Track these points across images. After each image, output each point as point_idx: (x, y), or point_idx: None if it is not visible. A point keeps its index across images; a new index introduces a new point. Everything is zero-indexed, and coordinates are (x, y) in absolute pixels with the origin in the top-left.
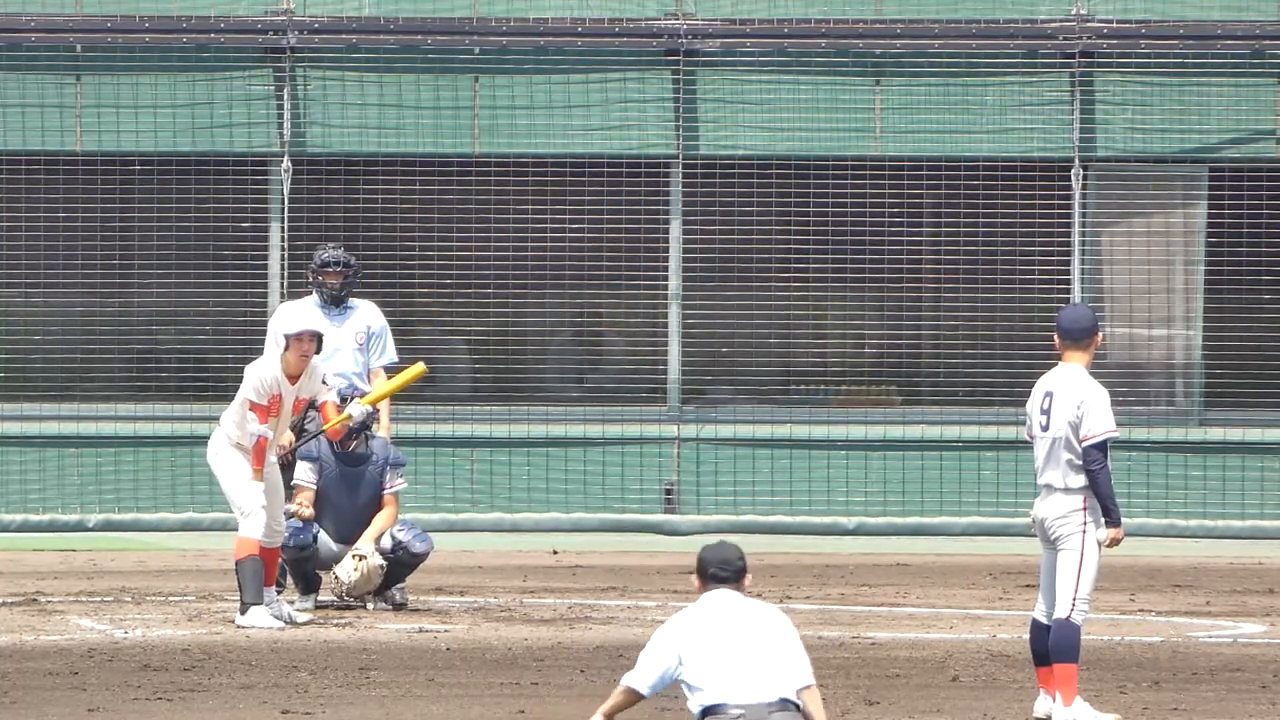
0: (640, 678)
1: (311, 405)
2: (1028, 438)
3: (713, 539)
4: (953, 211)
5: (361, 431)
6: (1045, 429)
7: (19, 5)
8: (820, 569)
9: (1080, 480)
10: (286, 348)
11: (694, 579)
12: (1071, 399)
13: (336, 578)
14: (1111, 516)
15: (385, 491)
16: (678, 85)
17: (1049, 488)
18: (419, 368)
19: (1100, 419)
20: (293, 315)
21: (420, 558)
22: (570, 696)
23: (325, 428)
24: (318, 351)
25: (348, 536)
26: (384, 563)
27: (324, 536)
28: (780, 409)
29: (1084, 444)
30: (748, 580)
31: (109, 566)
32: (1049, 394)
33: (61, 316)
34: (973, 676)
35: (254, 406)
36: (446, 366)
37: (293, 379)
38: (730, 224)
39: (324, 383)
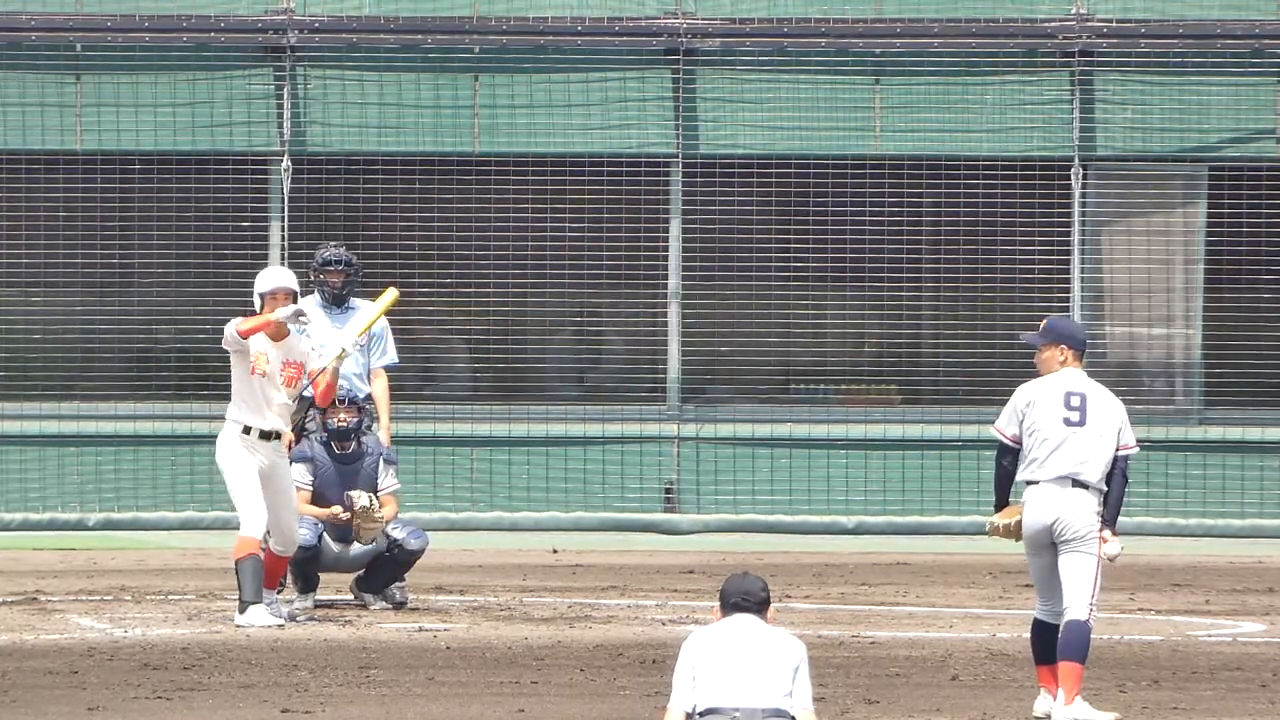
0: (676, 703)
1: (311, 404)
2: (1003, 438)
3: (712, 539)
4: (953, 211)
5: (355, 433)
6: (1079, 424)
7: (19, 5)
8: (820, 568)
9: (1101, 482)
10: (263, 308)
11: (715, 609)
12: (1114, 408)
13: (354, 501)
14: (1112, 521)
15: (381, 492)
16: (677, 84)
17: (1065, 480)
18: (392, 294)
19: (1131, 431)
20: (267, 274)
21: (416, 555)
22: (570, 695)
23: (326, 366)
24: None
25: (346, 535)
26: (381, 516)
27: (324, 537)
28: (780, 408)
29: (1121, 453)
30: (771, 613)
31: (109, 565)
32: (1077, 394)
33: (61, 316)
34: (972, 675)
35: (240, 330)
36: (446, 366)
37: (275, 339)
38: (730, 223)
39: (312, 350)
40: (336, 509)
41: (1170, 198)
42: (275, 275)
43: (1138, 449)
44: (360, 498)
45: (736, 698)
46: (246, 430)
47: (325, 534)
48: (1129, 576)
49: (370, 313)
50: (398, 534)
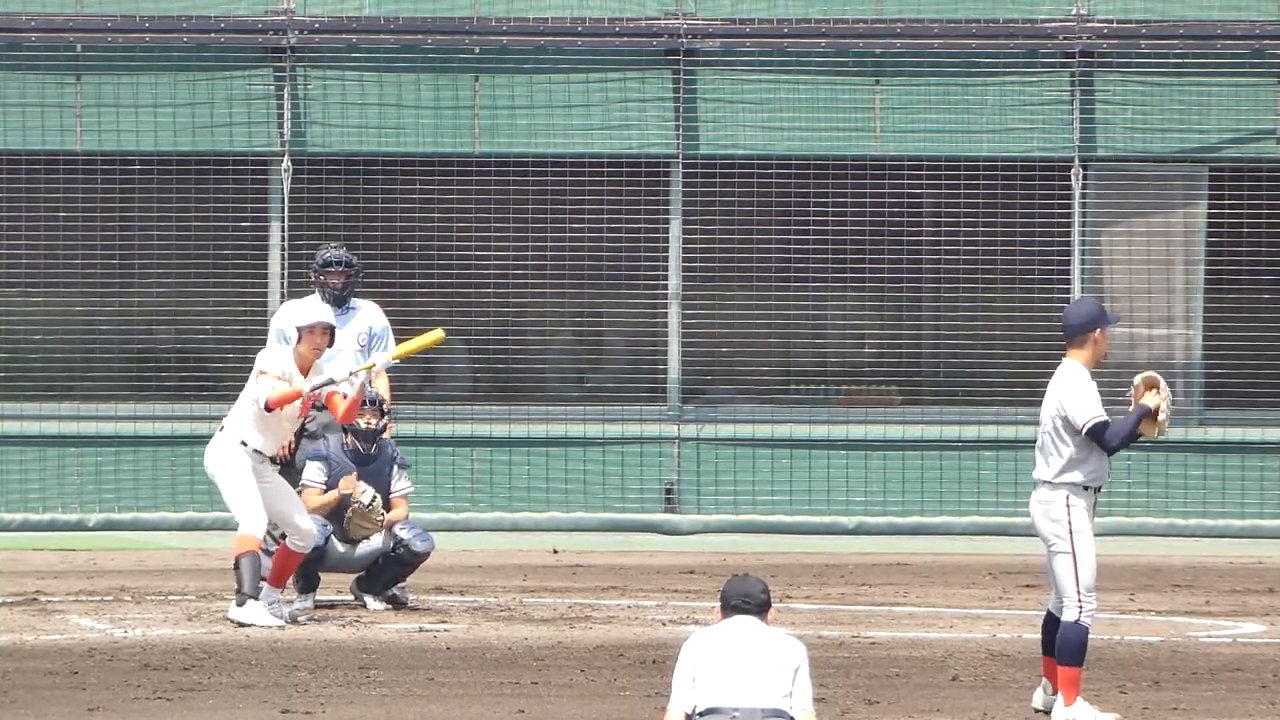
0: (676, 704)
1: (314, 406)
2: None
3: (712, 539)
4: (953, 211)
5: (376, 436)
6: (1039, 423)
7: (19, 5)
8: (820, 569)
9: (1060, 476)
10: (299, 340)
11: (715, 611)
12: (1055, 394)
13: (360, 491)
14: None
15: (393, 495)
16: (678, 85)
17: (1035, 482)
18: (438, 333)
19: (1082, 409)
20: (305, 308)
21: (421, 557)
22: (570, 696)
23: (358, 370)
24: (330, 344)
25: (354, 536)
26: (384, 515)
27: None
28: (780, 409)
29: (1082, 433)
30: (771, 615)
31: (109, 566)
32: (1049, 389)
33: (61, 316)
34: (972, 676)
35: (266, 374)
36: (447, 366)
37: (303, 371)
38: (730, 224)
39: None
40: (348, 489)
41: (1170, 198)
42: (314, 310)
43: (1092, 424)
44: (367, 492)
45: (736, 698)
46: (244, 443)
47: (332, 535)
48: (1129, 577)
49: (410, 345)
50: (404, 534)
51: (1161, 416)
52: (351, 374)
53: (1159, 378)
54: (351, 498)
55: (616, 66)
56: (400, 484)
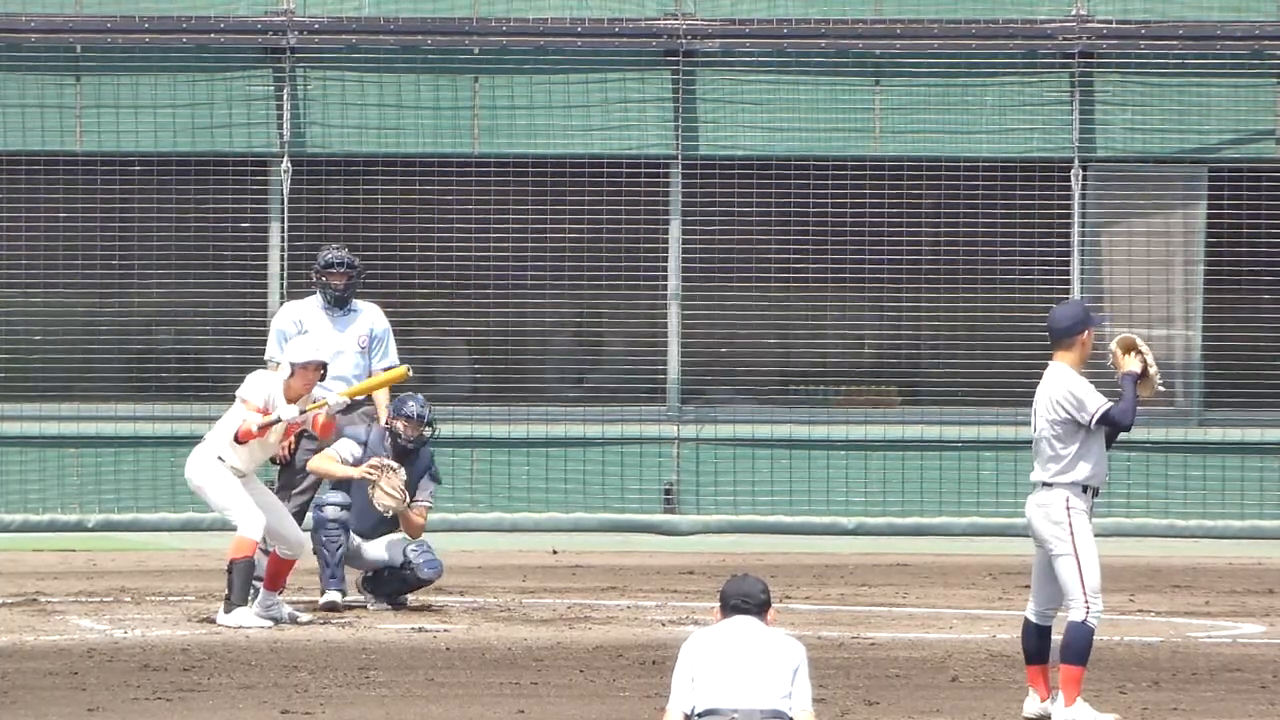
0: (675, 704)
1: (304, 434)
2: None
3: (712, 539)
4: (952, 211)
5: (424, 442)
6: (1031, 426)
7: (19, 5)
8: (820, 569)
9: (1058, 477)
10: (292, 374)
11: (714, 611)
12: (1049, 396)
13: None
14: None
15: (415, 503)
16: (677, 85)
17: (1034, 485)
18: (401, 370)
19: (1088, 401)
20: (305, 346)
21: (425, 583)
22: (570, 696)
23: (308, 410)
24: (322, 379)
25: (368, 533)
26: (402, 485)
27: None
28: (780, 409)
29: (1092, 424)
30: (771, 615)
31: (109, 566)
32: (1039, 393)
33: (61, 316)
34: (972, 676)
35: (246, 403)
36: (447, 366)
37: (291, 402)
38: (730, 224)
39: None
40: (369, 474)
41: (1170, 199)
42: (312, 349)
43: (1100, 411)
44: (399, 473)
45: (735, 699)
46: (221, 459)
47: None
48: (1129, 577)
49: (369, 382)
50: (414, 558)
51: (1152, 372)
52: (302, 413)
53: (1134, 337)
54: (388, 466)
55: (616, 67)
56: (421, 495)
